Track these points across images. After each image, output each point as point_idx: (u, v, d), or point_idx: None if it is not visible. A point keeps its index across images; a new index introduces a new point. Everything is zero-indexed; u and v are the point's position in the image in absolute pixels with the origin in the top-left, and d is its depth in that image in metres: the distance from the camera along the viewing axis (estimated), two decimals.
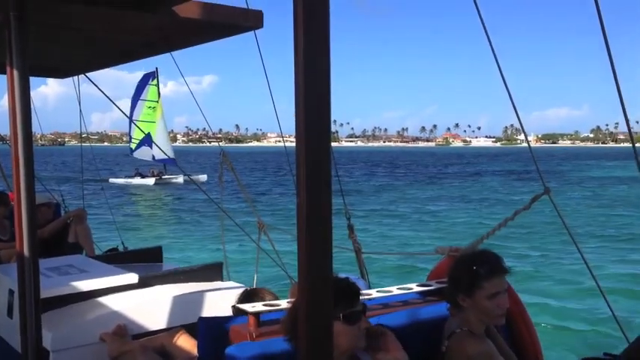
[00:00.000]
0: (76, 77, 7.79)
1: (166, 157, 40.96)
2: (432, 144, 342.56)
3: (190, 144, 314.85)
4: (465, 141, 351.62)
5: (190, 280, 4.45)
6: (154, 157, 43.63)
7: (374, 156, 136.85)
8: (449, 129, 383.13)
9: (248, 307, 2.84)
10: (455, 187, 45.90)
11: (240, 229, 5.89)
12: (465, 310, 2.89)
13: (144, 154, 44.65)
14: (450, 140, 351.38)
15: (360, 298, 2.60)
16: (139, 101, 43.91)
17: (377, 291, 3.39)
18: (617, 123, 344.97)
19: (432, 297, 3.40)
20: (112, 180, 47.43)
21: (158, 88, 44.53)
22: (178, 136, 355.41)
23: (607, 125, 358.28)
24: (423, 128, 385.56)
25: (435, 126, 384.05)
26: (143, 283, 4.24)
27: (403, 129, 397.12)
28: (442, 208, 30.01)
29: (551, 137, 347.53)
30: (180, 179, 45.11)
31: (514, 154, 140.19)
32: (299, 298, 1.57)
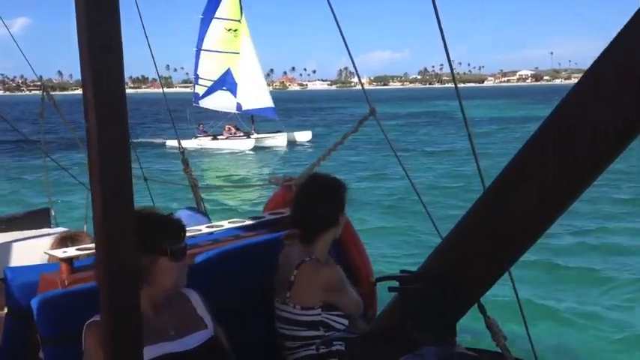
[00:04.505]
0: None
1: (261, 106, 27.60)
2: (269, 88, 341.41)
3: (8, 93, 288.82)
4: (301, 85, 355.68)
5: (13, 228, 4.12)
6: (239, 105, 28.94)
7: None
8: (285, 73, 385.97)
9: (59, 252, 2.62)
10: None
11: (64, 170, 5.49)
12: (317, 239, 2.84)
13: (219, 102, 29.60)
14: (287, 84, 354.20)
15: (186, 234, 2.46)
16: (213, 21, 29.32)
17: (207, 226, 3.28)
18: (441, 65, 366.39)
19: (264, 229, 3.34)
20: (170, 142, 27.23)
21: (240, 1, 29.55)
22: None
23: (433, 67, 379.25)
24: None
25: (272, 70, 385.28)
26: None
27: None
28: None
29: (383, 79, 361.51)
30: (283, 139, 30.47)
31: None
32: (96, 236, 1.34)
